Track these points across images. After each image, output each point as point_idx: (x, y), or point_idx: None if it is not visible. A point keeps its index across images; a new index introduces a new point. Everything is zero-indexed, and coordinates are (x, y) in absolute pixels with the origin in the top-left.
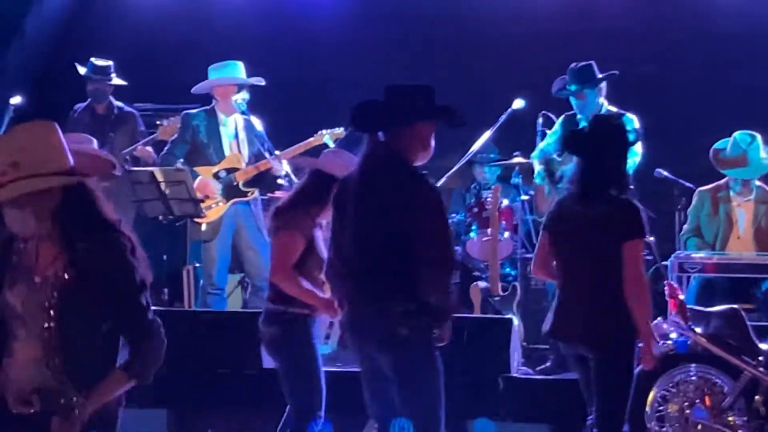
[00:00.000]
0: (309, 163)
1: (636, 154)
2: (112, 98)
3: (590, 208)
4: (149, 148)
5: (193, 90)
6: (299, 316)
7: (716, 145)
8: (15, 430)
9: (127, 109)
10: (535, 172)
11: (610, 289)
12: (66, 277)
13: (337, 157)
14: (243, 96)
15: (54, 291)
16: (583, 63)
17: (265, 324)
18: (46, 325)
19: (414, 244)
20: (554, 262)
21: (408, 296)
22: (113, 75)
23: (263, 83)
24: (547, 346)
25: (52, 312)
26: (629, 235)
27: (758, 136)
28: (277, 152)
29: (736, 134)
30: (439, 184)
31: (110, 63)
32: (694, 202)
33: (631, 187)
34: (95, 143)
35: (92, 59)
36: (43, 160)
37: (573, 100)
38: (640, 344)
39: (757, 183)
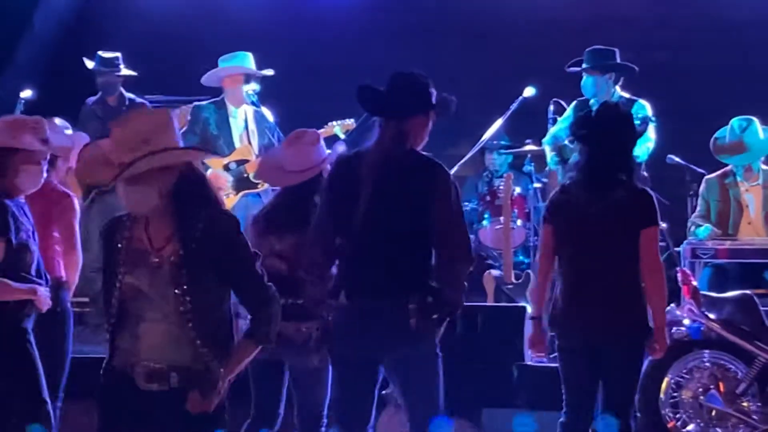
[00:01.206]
0: None
1: (649, 140)
2: (122, 90)
3: (603, 196)
4: None
5: (202, 80)
6: None
7: (716, 135)
8: (146, 408)
9: (139, 100)
10: (548, 157)
11: (627, 277)
12: (184, 254)
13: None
14: (253, 87)
15: (179, 269)
16: (606, 48)
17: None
18: (179, 302)
19: (434, 233)
20: (558, 252)
21: (424, 289)
22: (122, 66)
23: (272, 73)
24: None
25: (182, 289)
26: (647, 223)
27: (756, 120)
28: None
29: (733, 121)
30: (451, 172)
31: (118, 54)
32: (702, 189)
33: (645, 174)
34: None
35: (99, 52)
36: (170, 139)
37: (587, 80)
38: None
39: (764, 167)
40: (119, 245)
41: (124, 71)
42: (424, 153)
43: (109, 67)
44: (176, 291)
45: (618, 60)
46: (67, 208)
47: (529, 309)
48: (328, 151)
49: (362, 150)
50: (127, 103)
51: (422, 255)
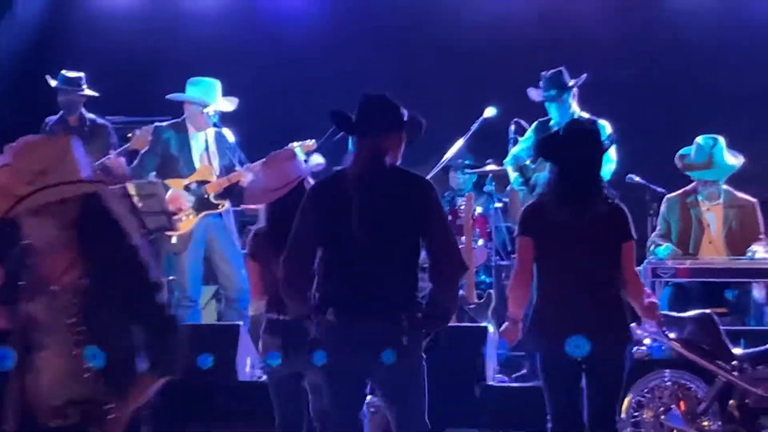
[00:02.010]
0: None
1: (611, 161)
2: (84, 110)
3: (582, 211)
4: (121, 159)
5: (167, 97)
6: None
7: (681, 152)
8: None
9: (100, 120)
10: (511, 178)
11: (609, 289)
12: (84, 282)
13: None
14: (215, 108)
15: (75, 297)
16: (555, 69)
17: None
18: (73, 332)
19: (431, 247)
20: (537, 265)
21: (414, 305)
22: (84, 86)
23: (233, 107)
24: (523, 353)
25: (77, 318)
26: (627, 236)
27: (720, 139)
28: (248, 164)
29: (699, 139)
30: None
31: (81, 74)
32: (663, 208)
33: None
34: None
35: (63, 71)
36: (67, 170)
37: (551, 106)
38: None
39: (724, 187)
40: (26, 272)
41: (87, 91)
42: (406, 169)
43: (72, 86)
44: (70, 321)
45: (568, 78)
46: None
47: (510, 312)
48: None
49: (341, 170)
50: (88, 123)
51: (411, 270)
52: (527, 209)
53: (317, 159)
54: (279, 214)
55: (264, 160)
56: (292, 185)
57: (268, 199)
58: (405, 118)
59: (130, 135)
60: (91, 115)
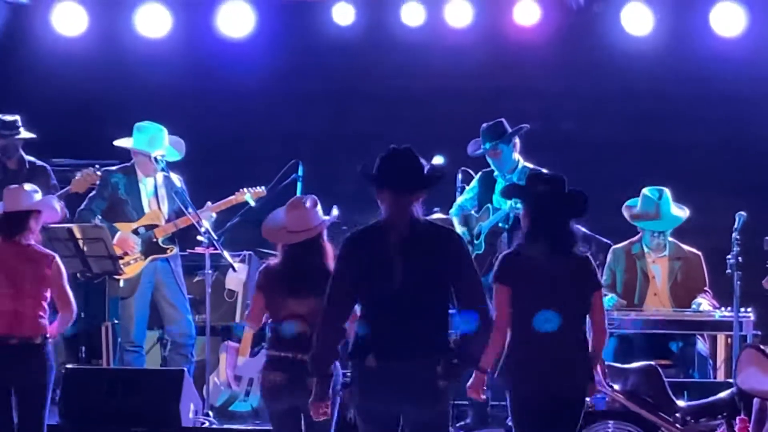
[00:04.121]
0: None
1: None
2: (22, 152)
3: (559, 261)
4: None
5: (114, 143)
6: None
7: (627, 203)
8: None
9: (39, 163)
10: (458, 230)
11: (579, 336)
12: None
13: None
14: (162, 153)
15: None
16: (494, 121)
17: None
18: None
19: (463, 296)
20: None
21: (449, 351)
22: (21, 129)
23: (180, 156)
24: (467, 402)
25: None
26: (598, 286)
27: (666, 190)
28: (209, 203)
29: (645, 190)
30: None
31: (17, 117)
32: (609, 259)
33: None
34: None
35: None
36: None
37: (489, 159)
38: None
39: (670, 239)
40: None
41: (24, 134)
42: (433, 221)
43: (9, 129)
44: None
45: (508, 129)
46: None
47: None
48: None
49: (376, 223)
50: (27, 166)
51: (444, 317)
52: (507, 257)
53: (336, 212)
54: (297, 257)
55: (290, 202)
56: (314, 232)
57: (287, 240)
58: (432, 173)
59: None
60: (30, 158)
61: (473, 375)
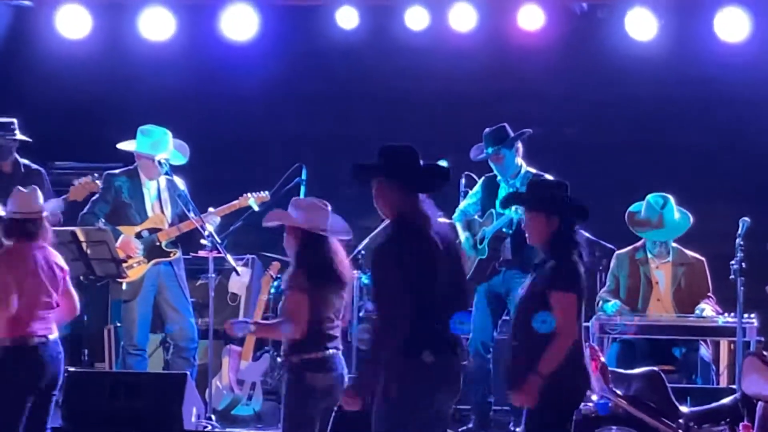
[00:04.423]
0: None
1: None
2: (17, 156)
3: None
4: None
5: (118, 146)
6: None
7: (631, 209)
8: None
9: (34, 166)
10: (462, 238)
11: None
12: None
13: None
14: (166, 156)
15: None
16: (496, 125)
17: None
18: None
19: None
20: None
21: None
22: (17, 131)
23: (185, 160)
24: (468, 407)
25: None
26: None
27: (671, 198)
28: (211, 209)
29: (649, 197)
30: (363, 243)
31: (13, 120)
32: (612, 264)
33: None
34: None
35: None
36: None
37: (492, 164)
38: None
39: (673, 244)
40: None
41: (20, 136)
42: None
43: (4, 131)
44: None
45: (510, 133)
46: None
47: None
48: None
49: (413, 225)
50: (22, 169)
51: None
52: (572, 265)
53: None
54: (311, 258)
55: (310, 200)
56: (318, 233)
57: (289, 223)
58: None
59: (73, 184)
60: (24, 161)
61: (528, 380)
